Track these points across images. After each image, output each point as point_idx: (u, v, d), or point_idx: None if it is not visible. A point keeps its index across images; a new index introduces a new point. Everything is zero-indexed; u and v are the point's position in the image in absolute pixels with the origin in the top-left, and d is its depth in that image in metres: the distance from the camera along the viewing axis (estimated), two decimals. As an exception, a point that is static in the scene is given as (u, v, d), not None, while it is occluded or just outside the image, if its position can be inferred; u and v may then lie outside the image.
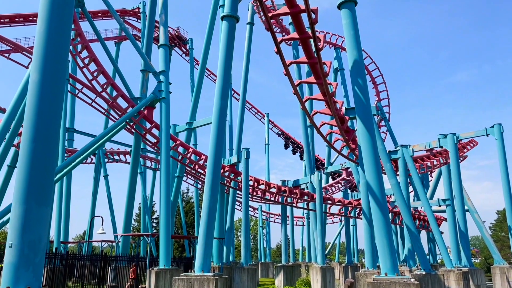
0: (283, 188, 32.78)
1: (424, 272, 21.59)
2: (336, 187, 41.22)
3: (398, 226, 37.18)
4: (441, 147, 31.68)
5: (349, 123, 21.15)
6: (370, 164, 14.79)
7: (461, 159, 37.32)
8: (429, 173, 37.66)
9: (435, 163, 32.29)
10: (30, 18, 34.22)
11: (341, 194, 38.60)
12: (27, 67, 26.43)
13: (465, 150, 38.08)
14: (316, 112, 19.79)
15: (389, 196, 34.16)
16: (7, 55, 27.91)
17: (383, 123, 42.10)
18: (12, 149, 24.45)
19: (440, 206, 31.57)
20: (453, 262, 27.35)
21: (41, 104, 6.49)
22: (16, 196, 6.68)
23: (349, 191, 41.11)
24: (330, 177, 43.92)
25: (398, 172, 26.73)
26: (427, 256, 33.19)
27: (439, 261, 44.63)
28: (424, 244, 34.90)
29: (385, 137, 42.90)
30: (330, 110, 18.48)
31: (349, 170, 39.44)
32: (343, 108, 19.04)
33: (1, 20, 33.12)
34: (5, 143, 20.88)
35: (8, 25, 33.75)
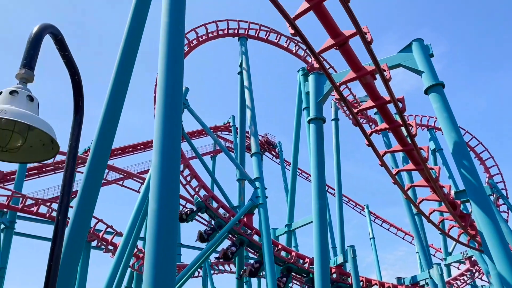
0: (399, 287, 29.76)
1: None
2: (462, 280, 36.36)
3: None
4: None
5: (461, 207, 19.35)
6: (498, 252, 12.99)
7: None
8: None
9: None
10: (138, 147, 38.80)
11: (469, 287, 33.84)
12: (138, 191, 29.15)
13: None
14: (422, 200, 18.56)
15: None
16: (121, 182, 31.29)
17: (501, 201, 37.77)
18: (128, 270, 26.00)
19: None
20: None
21: (159, 231, 7.07)
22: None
23: (478, 283, 35.93)
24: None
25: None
26: None
27: None
28: None
29: (507, 217, 38.07)
30: (438, 196, 17.18)
31: (472, 259, 34.93)
32: (452, 192, 17.62)
33: (115, 153, 37.90)
34: (122, 265, 22.36)
35: (120, 156, 38.47)
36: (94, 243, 28.22)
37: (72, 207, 10.67)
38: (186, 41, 29.43)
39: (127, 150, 38.92)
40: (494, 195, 33.19)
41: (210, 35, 30.82)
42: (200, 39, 30.29)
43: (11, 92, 3.10)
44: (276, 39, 34.67)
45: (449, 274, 37.21)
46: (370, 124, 39.94)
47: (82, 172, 12.73)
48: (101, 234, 27.52)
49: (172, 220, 7.29)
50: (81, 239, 8.84)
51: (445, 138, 14.79)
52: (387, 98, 14.32)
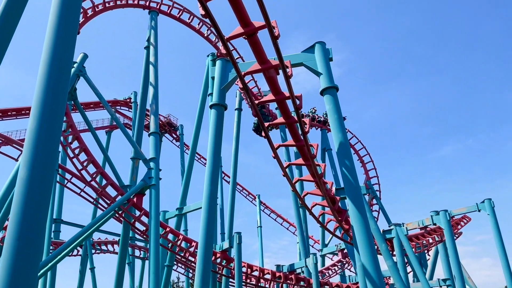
0: (277, 274, 31.43)
1: None
2: (333, 270, 39.76)
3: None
4: (434, 224, 31.34)
5: (340, 203, 21.07)
6: (364, 246, 14.43)
7: (456, 235, 36.74)
8: (426, 252, 36.81)
9: (431, 241, 31.68)
10: (22, 112, 35.10)
11: (339, 277, 37.11)
12: (16, 160, 26.50)
13: (459, 227, 37.62)
14: (307, 193, 19.79)
15: (387, 278, 32.96)
16: (-3, 148, 28.09)
17: (374, 201, 41.95)
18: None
19: (441, 286, 30.40)
20: None
21: (28, 201, 6.40)
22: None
23: (346, 273, 39.58)
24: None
25: (394, 253, 26.06)
26: None
27: None
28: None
29: (377, 215, 42.44)
30: (321, 191, 18.50)
31: (344, 251, 38.40)
32: (333, 189, 19.08)
33: (-6, 115, 33.87)
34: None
35: (1, 119, 34.47)
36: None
37: None
38: (91, 4, 27.35)
39: (9, 113, 34.96)
40: (369, 195, 36.74)
41: (118, 2, 29.03)
42: (107, 5, 28.37)
43: None
44: (188, 19, 33.92)
45: (323, 264, 40.43)
46: (270, 117, 41.32)
47: None
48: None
49: (44, 191, 6.62)
50: None
51: (333, 138, 15.94)
52: (287, 94, 14.95)
